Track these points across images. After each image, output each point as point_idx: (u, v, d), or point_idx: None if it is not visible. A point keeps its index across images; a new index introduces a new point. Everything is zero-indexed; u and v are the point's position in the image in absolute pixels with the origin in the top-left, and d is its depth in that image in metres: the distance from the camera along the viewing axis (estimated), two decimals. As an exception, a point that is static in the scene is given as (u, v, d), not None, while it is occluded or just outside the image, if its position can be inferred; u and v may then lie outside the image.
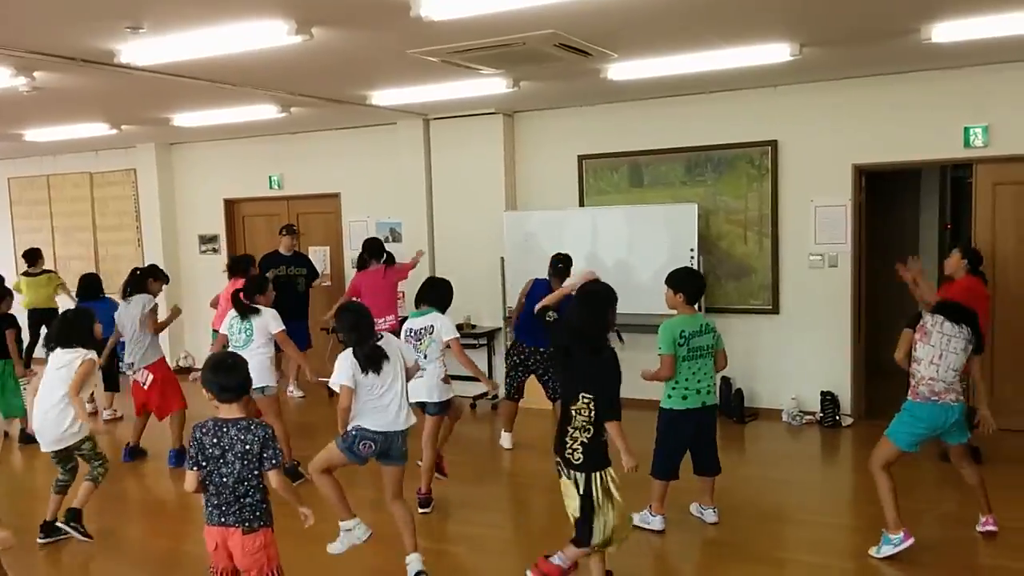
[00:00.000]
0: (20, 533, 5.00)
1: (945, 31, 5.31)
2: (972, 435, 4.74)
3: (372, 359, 4.29)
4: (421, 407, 5.41)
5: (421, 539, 4.54)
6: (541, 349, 6.59)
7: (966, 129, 6.71)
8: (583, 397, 3.93)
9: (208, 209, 10.49)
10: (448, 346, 5.39)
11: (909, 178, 8.81)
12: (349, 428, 4.36)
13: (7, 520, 4.52)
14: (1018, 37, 5.51)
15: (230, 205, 10.47)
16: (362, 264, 7.74)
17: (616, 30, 5.20)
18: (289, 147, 9.78)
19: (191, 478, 3.48)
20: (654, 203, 7.80)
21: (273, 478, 3.48)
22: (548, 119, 8.37)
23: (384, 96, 7.27)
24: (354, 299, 6.77)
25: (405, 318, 5.78)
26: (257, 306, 5.96)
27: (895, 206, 8.90)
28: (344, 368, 4.31)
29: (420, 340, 5.36)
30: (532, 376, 6.79)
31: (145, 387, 6.67)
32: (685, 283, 4.96)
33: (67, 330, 5.24)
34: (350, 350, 4.32)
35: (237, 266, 7.91)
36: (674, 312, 4.99)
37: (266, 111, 7.87)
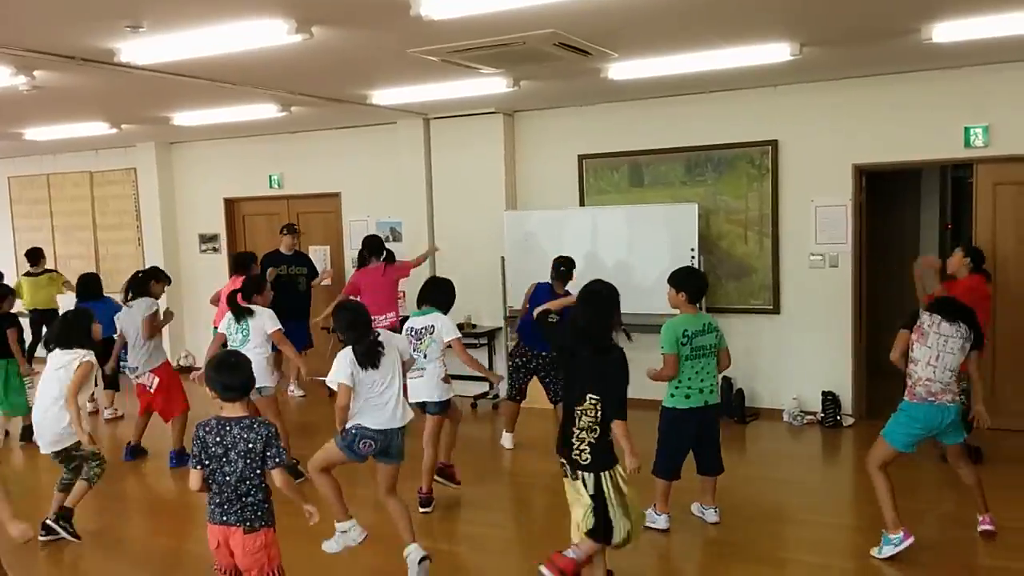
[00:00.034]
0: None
1: (945, 31, 5.30)
2: (971, 435, 4.74)
3: (370, 355, 4.30)
4: (421, 407, 5.42)
5: (422, 539, 4.54)
6: (543, 353, 6.58)
7: (966, 129, 6.70)
8: (590, 398, 3.91)
9: (208, 208, 10.49)
10: (449, 346, 5.39)
11: (909, 178, 8.81)
12: (348, 426, 4.36)
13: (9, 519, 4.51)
14: (1018, 37, 5.50)
15: (230, 204, 10.46)
16: (362, 261, 7.73)
17: (616, 29, 5.20)
18: (289, 146, 9.78)
19: (195, 477, 3.48)
20: (654, 203, 7.79)
21: (277, 476, 3.48)
22: (548, 119, 8.37)
23: (384, 95, 7.26)
24: (351, 298, 6.78)
25: (406, 317, 5.78)
26: (252, 307, 5.96)
27: (895, 206, 8.90)
28: (342, 366, 4.31)
29: (420, 340, 5.36)
30: (535, 378, 6.80)
31: (151, 390, 6.68)
32: (687, 282, 4.97)
33: (66, 331, 5.24)
34: (349, 348, 4.33)
35: (239, 263, 7.91)
36: (676, 311, 4.99)
37: (266, 110, 7.87)
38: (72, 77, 6.02)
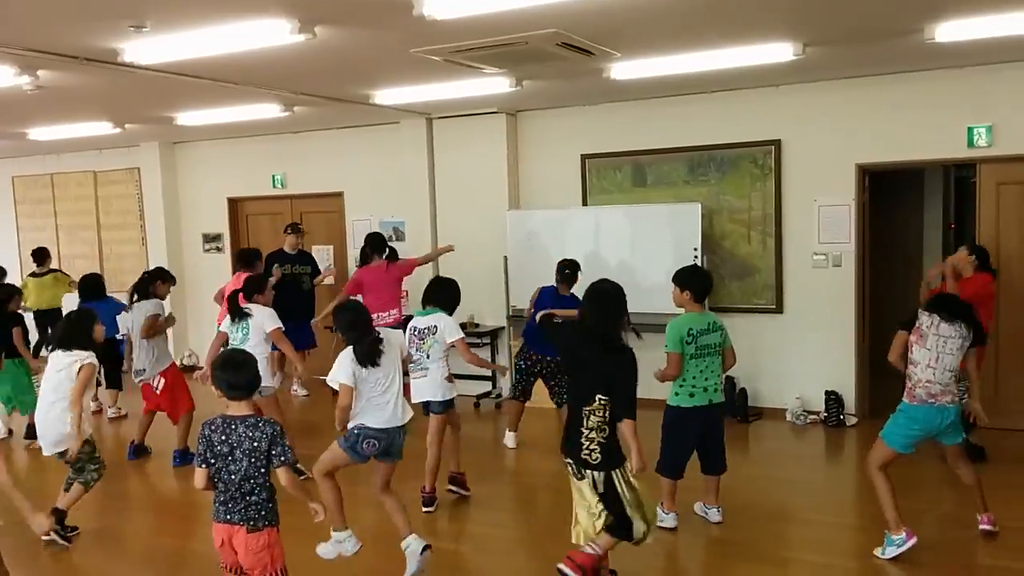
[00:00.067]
0: (26, 531, 5.03)
1: (948, 31, 5.29)
2: (974, 435, 4.73)
3: (371, 354, 4.31)
4: (425, 407, 5.43)
5: (426, 538, 4.54)
6: (548, 357, 6.57)
7: (970, 129, 6.69)
8: (599, 399, 3.90)
9: (212, 208, 10.51)
10: (453, 346, 5.39)
11: (913, 178, 8.79)
12: (351, 427, 4.37)
13: (11, 518, 4.52)
14: (1022, 37, 5.49)
15: (233, 204, 10.48)
16: (364, 259, 7.71)
17: (619, 29, 5.20)
18: (292, 146, 9.79)
19: (200, 475, 3.49)
20: (657, 202, 7.79)
21: (282, 475, 3.49)
22: (551, 118, 8.37)
23: (387, 95, 7.27)
24: (351, 297, 6.80)
25: (410, 316, 5.79)
26: (250, 307, 5.98)
27: (898, 206, 8.88)
28: (344, 366, 4.32)
29: (423, 340, 5.36)
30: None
31: (157, 392, 6.69)
32: (692, 281, 4.96)
33: (69, 331, 5.24)
34: (350, 348, 4.34)
35: (243, 259, 7.90)
36: (681, 310, 4.99)
37: (269, 110, 7.88)
38: (76, 77, 6.03)
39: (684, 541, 5.00)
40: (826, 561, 4.64)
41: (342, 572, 4.60)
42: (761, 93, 7.36)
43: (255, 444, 3.41)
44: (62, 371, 5.11)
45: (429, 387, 5.38)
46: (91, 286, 8.04)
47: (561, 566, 4.01)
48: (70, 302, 8.79)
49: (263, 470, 3.43)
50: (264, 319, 5.94)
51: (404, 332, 5.50)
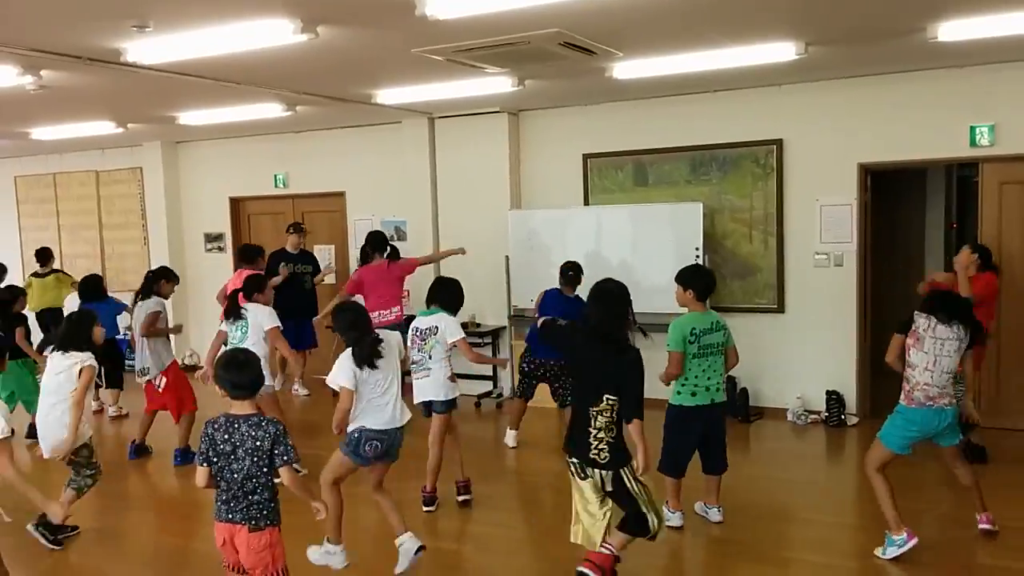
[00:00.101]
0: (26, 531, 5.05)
1: (951, 30, 5.29)
2: (975, 435, 4.72)
3: (371, 355, 4.31)
4: (427, 406, 5.43)
5: (426, 538, 4.55)
6: (551, 361, 6.57)
7: (972, 128, 6.69)
8: (607, 399, 3.90)
9: (214, 207, 10.51)
10: (455, 346, 5.39)
11: (915, 177, 8.79)
12: (350, 430, 4.37)
13: (16, 517, 4.53)
14: (1024, 36, 5.50)
15: (235, 203, 10.49)
16: (364, 258, 7.70)
17: (621, 29, 5.20)
18: (294, 146, 9.80)
19: (201, 474, 3.50)
20: (659, 202, 7.79)
21: (285, 475, 3.49)
22: (553, 118, 8.37)
23: (389, 95, 7.27)
24: (350, 298, 6.82)
25: (412, 316, 5.79)
26: (246, 307, 5.98)
27: (900, 205, 8.88)
28: (344, 368, 4.32)
29: (425, 340, 5.36)
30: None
31: (160, 390, 6.70)
32: (695, 280, 4.96)
33: (71, 333, 5.25)
34: (350, 350, 4.34)
35: (245, 255, 7.89)
36: (684, 310, 4.99)
37: (271, 110, 7.89)
38: (78, 77, 6.04)
39: (685, 541, 5.00)
40: (827, 561, 4.64)
41: (342, 572, 4.61)
42: (763, 92, 7.36)
43: (258, 443, 3.41)
44: (62, 373, 5.11)
45: (432, 387, 5.38)
46: (91, 287, 8.05)
47: (581, 568, 4.02)
48: (71, 302, 8.83)
49: (265, 469, 3.44)
50: (263, 318, 5.94)
51: (406, 331, 5.51)
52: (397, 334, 4.75)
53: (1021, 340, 6.77)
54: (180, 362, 9.25)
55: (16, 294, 7.46)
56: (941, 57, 6.29)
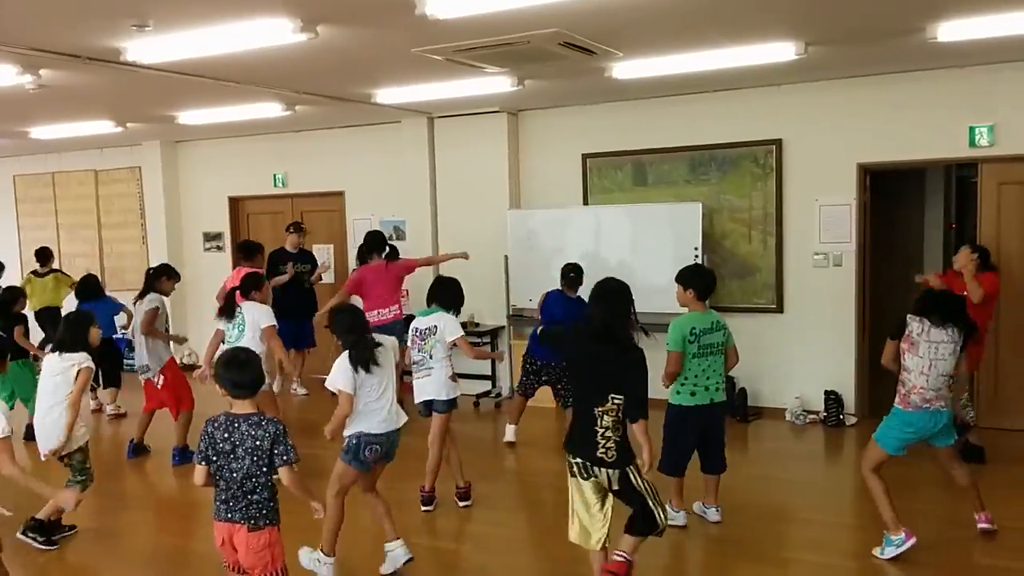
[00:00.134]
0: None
1: (951, 30, 5.30)
2: (973, 435, 4.72)
3: (369, 358, 4.31)
4: (428, 406, 5.43)
5: (426, 537, 4.55)
6: (553, 363, 6.56)
7: (971, 128, 6.70)
8: (613, 399, 3.89)
9: (213, 207, 10.51)
10: (455, 345, 5.39)
11: (914, 177, 8.79)
12: (348, 435, 4.36)
13: (14, 519, 4.54)
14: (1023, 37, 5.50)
15: (235, 203, 10.48)
16: (362, 258, 7.66)
17: (621, 29, 5.20)
18: (293, 145, 9.79)
19: (200, 472, 3.50)
20: (658, 202, 7.79)
21: (284, 475, 3.48)
22: (552, 118, 8.37)
23: (389, 94, 7.27)
24: (348, 299, 6.82)
25: (411, 316, 5.79)
26: (241, 305, 5.98)
27: (899, 205, 8.88)
28: (344, 371, 4.31)
29: (425, 340, 5.36)
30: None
31: (159, 388, 6.70)
32: (695, 279, 4.96)
33: (68, 334, 5.24)
34: (347, 353, 4.33)
35: (244, 251, 7.86)
36: (684, 309, 4.99)
37: (271, 109, 7.88)
38: (78, 76, 6.04)
39: (684, 541, 5.00)
40: (826, 561, 4.64)
41: (342, 572, 4.61)
42: (762, 92, 7.36)
43: (258, 443, 3.41)
44: (59, 375, 5.10)
45: (433, 386, 5.38)
46: (88, 287, 8.06)
47: None
48: (69, 302, 8.82)
49: (265, 469, 3.43)
50: (259, 316, 5.94)
51: (406, 330, 5.51)
52: (393, 339, 4.75)
53: (1020, 340, 6.77)
54: (179, 361, 9.27)
55: (16, 295, 7.48)
56: (941, 57, 6.30)
